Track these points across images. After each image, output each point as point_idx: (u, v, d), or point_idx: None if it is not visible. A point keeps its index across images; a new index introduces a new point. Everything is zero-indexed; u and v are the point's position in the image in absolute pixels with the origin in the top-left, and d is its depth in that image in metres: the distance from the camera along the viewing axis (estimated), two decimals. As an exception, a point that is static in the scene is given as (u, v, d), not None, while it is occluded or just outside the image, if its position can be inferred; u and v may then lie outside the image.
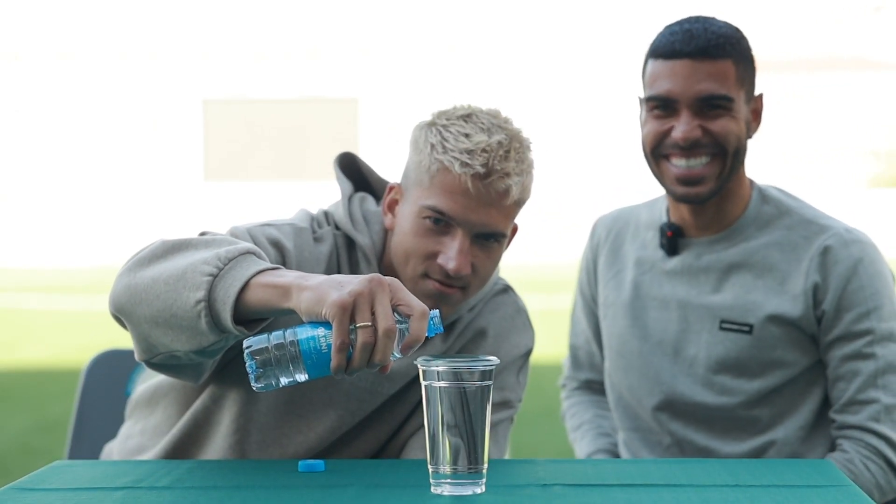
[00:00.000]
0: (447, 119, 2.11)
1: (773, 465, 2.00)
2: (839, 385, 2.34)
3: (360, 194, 2.25)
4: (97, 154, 22.88)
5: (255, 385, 1.68)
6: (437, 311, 1.70)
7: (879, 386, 2.31)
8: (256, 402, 2.14)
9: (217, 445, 2.15)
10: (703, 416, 2.37)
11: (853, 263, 2.32)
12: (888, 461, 2.30)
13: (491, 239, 2.11)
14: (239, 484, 1.83)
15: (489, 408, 1.72)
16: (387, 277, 1.67)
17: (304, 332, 1.66)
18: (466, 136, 2.07)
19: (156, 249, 1.84)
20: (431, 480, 1.74)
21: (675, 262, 2.42)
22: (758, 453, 2.35)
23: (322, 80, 22.97)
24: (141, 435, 2.25)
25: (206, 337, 1.76)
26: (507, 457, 2.33)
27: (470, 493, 1.72)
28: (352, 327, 1.64)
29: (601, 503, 1.71)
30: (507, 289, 2.30)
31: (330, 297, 1.63)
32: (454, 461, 1.71)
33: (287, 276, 1.70)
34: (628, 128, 22.94)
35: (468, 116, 2.10)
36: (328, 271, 2.14)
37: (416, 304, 1.66)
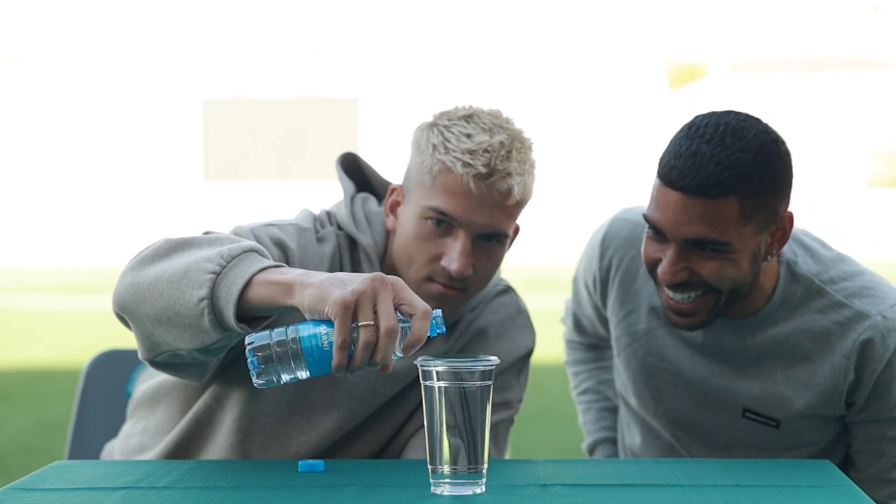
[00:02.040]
0: (448, 119, 2.11)
1: (773, 465, 2.00)
2: (863, 457, 2.28)
3: (363, 195, 2.25)
4: (97, 154, 22.88)
5: (255, 381, 1.68)
6: (439, 311, 1.70)
7: None
8: (259, 401, 2.14)
9: (219, 445, 2.16)
10: None
11: (890, 356, 2.17)
12: None
13: (493, 240, 2.11)
14: (239, 484, 1.83)
15: (489, 408, 1.72)
16: (390, 276, 1.67)
17: (306, 330, 1.66)
18: (468, 136, 2.07)
19: (159, 248, 1.84)
20: (431, 480, 1.74)
21: (694, 332, 2.24)
22: None
23: (322, 80, 22.96)
24: (142, 434, 2.25)
25: (209, 335, 1.76)
26: (507, 457, 2.33)
27: (470, 493, 1.72)
28: (354, 325, 1.64)
29: (601, 503, 1.71)
30: (508, 289, 2.30)
31: (332, 295, 1.64)
32: (454, 461, 1.71)
33: (290, 274, 1.70)
34: (629, 128, 22.93)
35: (470, 117, 2.10)
36: (331, 271, 2.15)
37: (418, 303, 1.66)
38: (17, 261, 21.95)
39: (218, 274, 1.73)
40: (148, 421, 2.26)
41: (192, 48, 23.08)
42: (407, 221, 2.13)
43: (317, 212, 2.24)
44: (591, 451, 2.62)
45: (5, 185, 22.82)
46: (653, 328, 2.30)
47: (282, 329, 1.67)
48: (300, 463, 1.92)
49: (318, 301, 1.65)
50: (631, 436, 2.46)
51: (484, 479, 1.74)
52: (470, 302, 2.22)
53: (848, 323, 2.19)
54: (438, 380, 1.70)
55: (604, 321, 2.49)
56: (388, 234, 2.19)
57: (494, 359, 1.73)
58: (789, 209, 2.13)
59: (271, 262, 1.75)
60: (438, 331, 1.70)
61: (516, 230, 2.18)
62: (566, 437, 6.42)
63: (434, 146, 2.09)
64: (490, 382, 1.72)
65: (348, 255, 2.18)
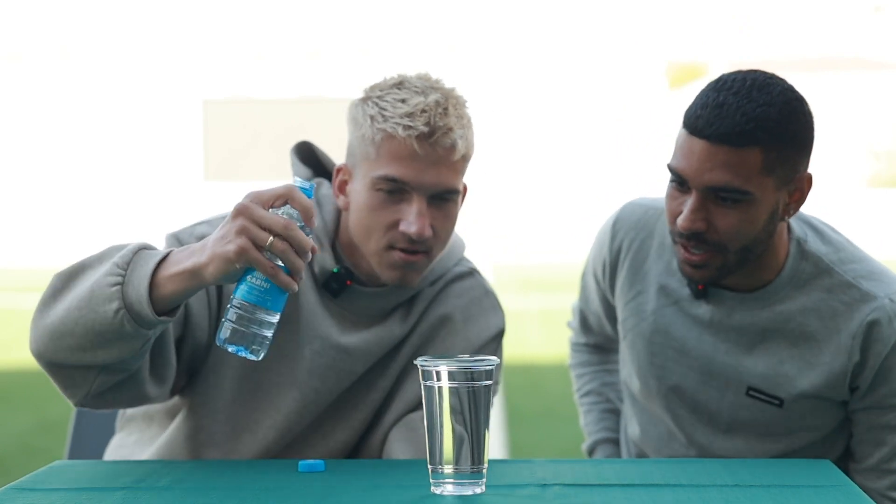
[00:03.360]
0: (381, 90, 2.15)
1: (773, 465, 2.00)
2: (863, 447, 2.28)
3: (317, 180, 2.28)
4: (97, 154, 22.88)
5: (256, 357, 1.77)
6: (297, 179, 1.81)
7: None
8: (218, 396, 2.16)
9: (184, 444, 2.17)
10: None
11: (895, 340, 2.19)
12: None
13: (446, 198, 2.13)
14: (239, 484, 1.84)
15: (490, 408, 1.72)
16: (242, 200, 1.76)
17: (241, 290, 1.76)
18: (403, 101, 2.11)
19: (55, 285, 1.91)
20: (431, 480, 1.75)
21: (702, 308, 2.27)
22: None
23: (322, 80, 22.97)
24: (135, 445, 2.26)
25: (137, 338, 1.84)
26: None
27: (470, 492, 1.73)
28: (266, 254, 1.74)
29: (601, 503, 1.71)
30: (472, 272, 2.31)
31: (228, 254, 1.73)
32: (454, 461, 1.71)
33: (184, 262, 1.79)
34: (630, 128, 22.93)
35: (400, 84, 2.14)
36: None
37: (279, 190, 1.76)
38: (17, 261, 21.96)
39: (121, 283, 1.82)
40: (143, 434, 2.27)
41: (192, 48, 23.07)
42: (358, 196, 2.15)
43: None
44: (591, 451, 2.62)
45: (5, 185, 22.82)
46: (661, 307, 2.32)
47: (228, 308, 1.75)
48: (300, 463, 1.93)
49: (224, 267, 1.74)
50: (632, 428, 2.46)
51: (484, 479, 1.74)
52: (429, 276, 2.23)
53: (855, 304, 2.20)
54: (439, 380, 1.70)
55: (610, 313, 2.49)
56: (339, 214, 2.22)
57: (494, 359, 1.73)
58: (808, 171, 2.17)
59: (160, 253, 1.82)
60: (311, 190, 1.79)
61: (465, 189, 2.20)
62: (566, 437, 6.42)
63: (372, 117, 2.12)
64: (490, 382, 1.72)
65: None
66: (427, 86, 2.13)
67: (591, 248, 2.50)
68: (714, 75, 2.25)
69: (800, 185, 2.16)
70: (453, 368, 1.70)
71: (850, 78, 29.75)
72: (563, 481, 1.84)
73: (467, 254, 2.35)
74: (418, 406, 2.20)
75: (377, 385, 2.21)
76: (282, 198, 1.76)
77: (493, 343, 2.28)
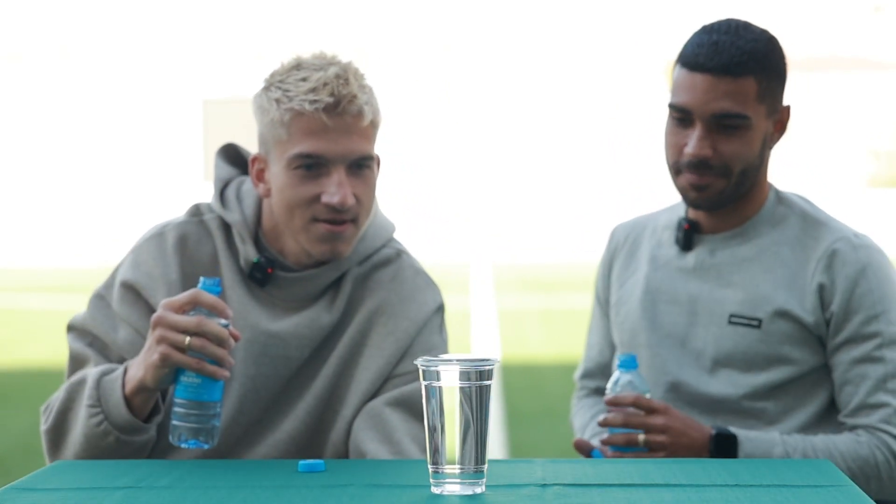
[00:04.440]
0: (280, 75, 2.20)
1: (773, 465, 2.01)
2: (847, 389, 2.34)
3: (239, 178, 2.32)
4: (97, 154, 22.88)
5: (210, 445, 1.99)
6: (200, 279, 2.01)
7: (889, 390, 2.32)
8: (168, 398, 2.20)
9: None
10: (706, 406, 2.38)
11: (861, 267, 2.36)
12: None
13: (363, 165, 2.18)
14: (239, 484, 1.84)
15: (490, 408, 1.73)
16: (156, 313, 1.99)
17: (178, 390, 1.98)
18: (304, 79, 2.16)
19: (51, 440, 2.16)
20: (431, 480, 1.75)
21: (688, 259, 2.45)
22: None
23: (322, 80, 22.98)
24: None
25: (143, 442, 2.10)
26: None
27: (470, 492, 1.73)
28: (189, 354, 1.96)
29: (601, 503, 1.72)
30: (400, 254, 2.33)
31: (155, 362, 1.98)
32: (454, 461, 1.72)
33: (133, 378, 2.05)
34: (629, 127, 22.93)
35: (298, 65, 2.19)
36: (208, 257, 2.24)
37: (185, 297, 1.99)
38: (17, 261, 21.97)
39: (104, 419, 2.07)
40: None
41: (192, 48, 23.08)
42: (277, 178, 2.19)
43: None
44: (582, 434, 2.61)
45: (6, 185, 22.82)
46: (651, 271, 2.49)
47: (172, 409, 1.99)
48: (300, 463, 1.93)
49: (156, 374, 2.00)
50: None
51: (484, 479, 1.74)
52: (354, 255, 2.24)
53: (822, 236, 2.41)
54: (439, 380, 1.70)
55: (606, 325, 2.54)
56: (261, 204, 2.25)
57: (495, 358, 1.73)
58: (786, 104, 2.43)
59: (119, 375, 2.07)
60: (214, 286, 1.99)
61: (378, 160, 2.24)
62: (566, 437, 6.40)
63: (277, 100, 2.17)
64: (490, 382, 1.73)
65: (222, 236, 2.25)
66: (324, 62, 2.19)
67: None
68: (714, 75, 2.38)
69: (781, 117, 2.43)
70: (454, 368, 1.70)
71: (850, 78, 29.75)
72: (563, 481, 1.84)
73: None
74: (376, 395, 2.21)
75: (320, 373, 2.22)
76: (190, 303, 1.98)
77: (436, 318, 2.30)
